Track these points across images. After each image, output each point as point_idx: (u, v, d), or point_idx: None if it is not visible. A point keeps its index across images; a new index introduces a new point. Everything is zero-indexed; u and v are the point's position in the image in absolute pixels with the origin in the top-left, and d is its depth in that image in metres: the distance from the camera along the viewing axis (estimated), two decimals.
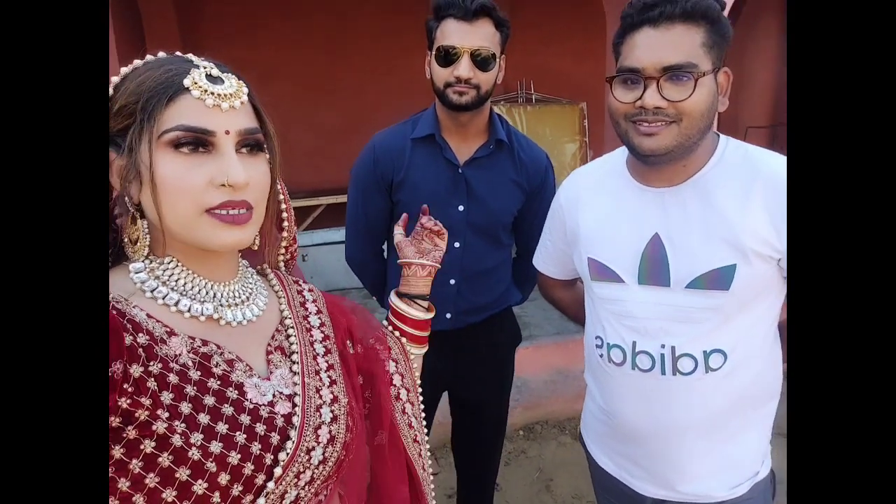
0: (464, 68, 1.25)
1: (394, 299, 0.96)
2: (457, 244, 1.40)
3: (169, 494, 0.54)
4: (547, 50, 5.42)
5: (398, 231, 1.01)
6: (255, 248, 0.71)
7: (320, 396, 0.69)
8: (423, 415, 0.91)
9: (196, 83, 0.58)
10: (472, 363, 1.52)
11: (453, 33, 1.25)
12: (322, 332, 0.76)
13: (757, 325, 0.97)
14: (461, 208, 1.39)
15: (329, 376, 0.72)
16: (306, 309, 0.77)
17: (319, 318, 0.78)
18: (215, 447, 0.57)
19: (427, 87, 1.39)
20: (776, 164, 0.92)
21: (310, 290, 0.81)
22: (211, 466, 0.56)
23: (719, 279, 0.91)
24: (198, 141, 0.58)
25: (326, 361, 0.74)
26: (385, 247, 1.54)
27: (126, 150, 0.58)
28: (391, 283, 1.52)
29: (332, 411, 0.69)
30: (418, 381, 0.91)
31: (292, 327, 0.73)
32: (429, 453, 0.90)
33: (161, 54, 0.62)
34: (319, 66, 4.62)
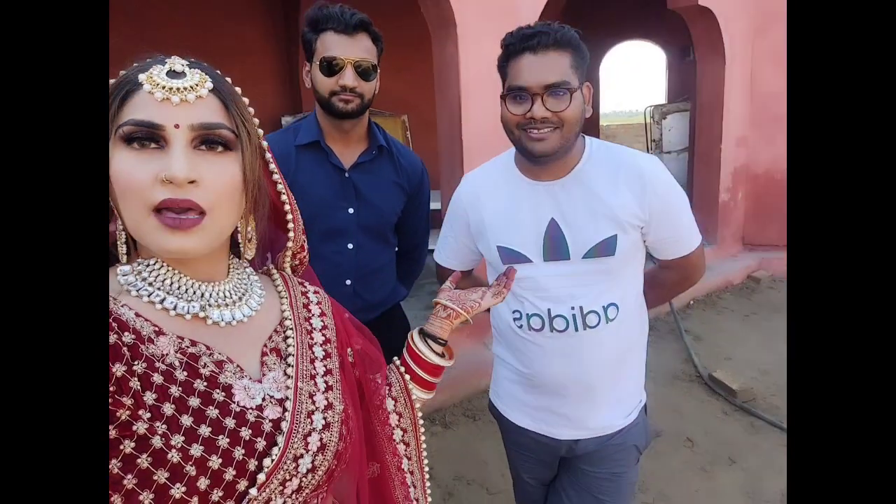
0: (348, 78, 1.34)
1: (414, 337, 0.94)
2: (350, 245, 1.47)
3: (146, 497, 0.52)
4: None
5: (448, 285, 1.00)
6: (249, 256, 0.69)
7: (313, 402, 0.67)
8: (425, 454, 0.91)
9: (150, 77, 0.56)
10: None
11: (335, 45, 1.33)
12: (323, 335, 0.75)
13: (633, 279, 1.24)
14: (351, 210, 1.45)
15: (325, 381, 0.70)
16: (309, 311, 0.76)
17: (322, 320, 0.76)
18: (196, 450, 0.55)
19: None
20: (629, 155, 1.18)
21: (315, 293, 0.80)
22: (190, 470, 0.54)
23: (606, 247, 1.15)
24: (149, 136, 0.56)
25: (324, 366, 0.72)
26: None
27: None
28: None
29: (324, 418, 0.66)
30: (420, 423, 0.90)
31: (291, 329, 0.71)
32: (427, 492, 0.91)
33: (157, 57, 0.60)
34: None
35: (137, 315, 0.58)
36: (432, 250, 1.45)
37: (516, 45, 1.08)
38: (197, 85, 0.58)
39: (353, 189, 1.46)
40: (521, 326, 1.24)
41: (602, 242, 1.15)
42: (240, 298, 0.67)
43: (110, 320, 0.54)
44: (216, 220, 0.59)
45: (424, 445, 0.91)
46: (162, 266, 0.62)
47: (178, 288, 0.62)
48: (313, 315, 0.76)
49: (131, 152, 0.56)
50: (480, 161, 1.36)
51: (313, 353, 0.72)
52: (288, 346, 0.70)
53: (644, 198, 1.14)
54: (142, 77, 0.56)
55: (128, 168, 0.55)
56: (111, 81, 0.57)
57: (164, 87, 0.56)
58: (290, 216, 0.75)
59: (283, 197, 0.74)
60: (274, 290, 0.75)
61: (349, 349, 0.80)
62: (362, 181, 1.47)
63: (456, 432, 2.73)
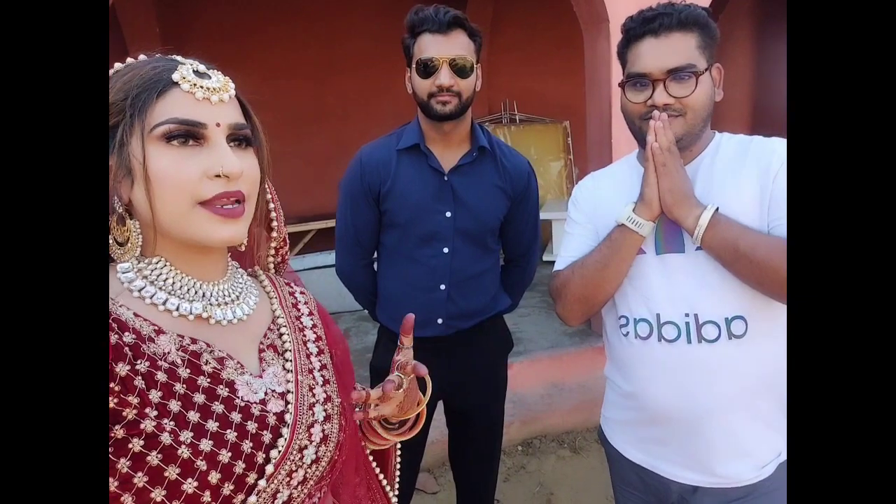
0: (444, 76, 1.31)
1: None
2: (445, 249, 1.44)
3: (158, 494, 0.53)
4: (528, 71, 5.53)
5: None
6: (243, 248, 0.71)
7: (313, 395, 0.68)
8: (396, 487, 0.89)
9: (185, 77, 0.59)
10: (465, 370, 1.53)
11: (430, 46, 1.31)
12: (315, 332, 0.76)
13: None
14: (448, 214, 1.43)
15: (322, 375, 0.72)
16: (298, 310, 0.77)
17: (312, 319, 0.78)
18: (205, 445, 0.56)
19: (412, 108, 1.44)
20: (763, 138, 1.04)
21: (302, 293, 0.81)
22: (201, 465, 0.55)
23: None
24: (189, 133, 0.58)
25: (319, 361, 0.73)
26: (375, 257, 1.57)
27: (116, 147, 0.58)
28: (382, 295, 1.54)
29: (325, 410, 0.68)
30: (397, 466, 0.90)
31: (285, 325, 0.72)
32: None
33: (142, 57, 0.63)
34: (307, 94, 4.70)
35: (136, 315, 0.59)
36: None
37: (637, 28, 1.01)
38: (225, 86, 0.62)
39: (451, 192, 1.42)
40: (626, 334, 1.09)
41: None
42: (238, 297, 0.69)
43: (110, 321, 0.56)
44: (251, 209, 0.64)
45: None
46: (165, 265, 0.63)
47: (180, 288, 0.63)
48: (303, 314, 0.77)
49: (172, 149, 0.57)
50: None
51: (308, 348, 0.73)
52: (284, 342, 0.71)
53: (768, 175, 0.98)
54: (175, 76, 0.58)
55: (173, 165, 0.57)
56: (125, 76, 0.59)
57: (202, 87, 0.59)
58: (272, 205, 0.75)
59: (268, 195, 0.74)
60: (262, 291, 0.76)
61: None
62: (461, 184, 1.42)
63: (585, 460, 2.54)
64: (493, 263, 1.55)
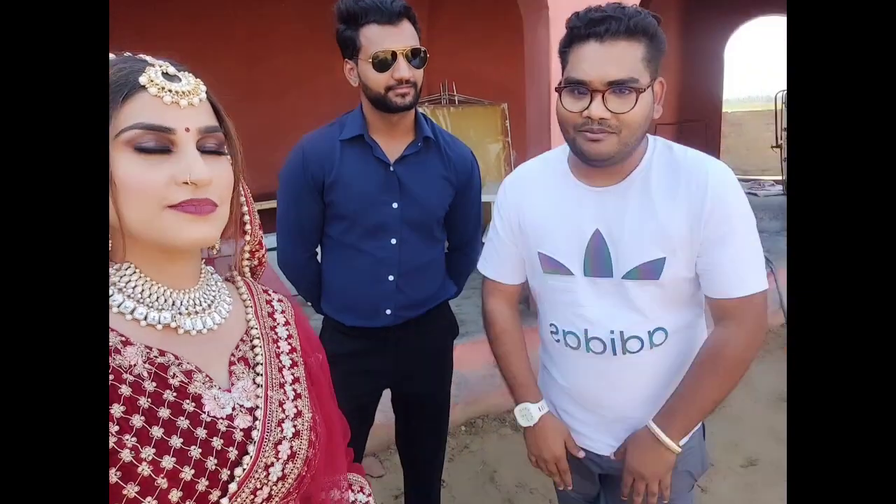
0: (404, 69, 1.28)
1: None
2: (393, 241, 1.43)
3: None
4: (468, 52, 5.52)
5: None
6: (215, 253, 0.69)
7: (283, 410, 0.67)
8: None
9: (152, 80, 0.57)
10: (413, 358, 1.54)
11: (383, 38, 1.27)
12: (289, 343, 0.74)
13: (689, 307, 1.08)
14: (395, 205, 1.42)
15: (294, 389, 0.70)
16: (274, 319, 0.75)
17: (287, 329, 0.76)
18: (167, 462, 0.55)
19: (351, 92, 1.40)
20: (695, 160, 1.02)
21: (279, 301, 0.79)
22: (162, 483, 0.54)
23: (650, 270, 1.01)
24: (157, 139, 0.56)
25: (292, 374, 0.71)
26: (319, 250, 1.54)
27: None
28: (327, 287, 1.52)
29: (294, 426, 0.67)
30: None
31: (258, 337, 0.70)
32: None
33: (111, 56, 0.60)
34: (239, 73, 4.48)
35: None
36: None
37: (581, 29, 0.94)
38: (195, 89, 0.59)
39: (397, 183, 1.41)
40: (558, 341, 1.14)
41: (647, 264, 1.01)
42: (209, 305, 0.67)
43: None
44: (224, 213, 0.62)
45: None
46: (134, 272, 0.62)
47: (149, 296, 0.61)
48: (278, 324, 0.75)
49: (138, 155, 0.56)
50: None
51: (281, 361, 0.71)
52: (256, 354, 0.69)
53: (701, 212, 0.97)
54: (143, 79, 0.56)
55: (139, 172, 0.56)
56: None
57: (170, 91, 0.57)
58: (246, 208, 0.73)
59: (242, 198, 0.72)
60: (239, 299, 0.74)
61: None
62: (407, 175, 1.42)
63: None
64: (439, 253, 1.56)
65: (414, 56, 1.30)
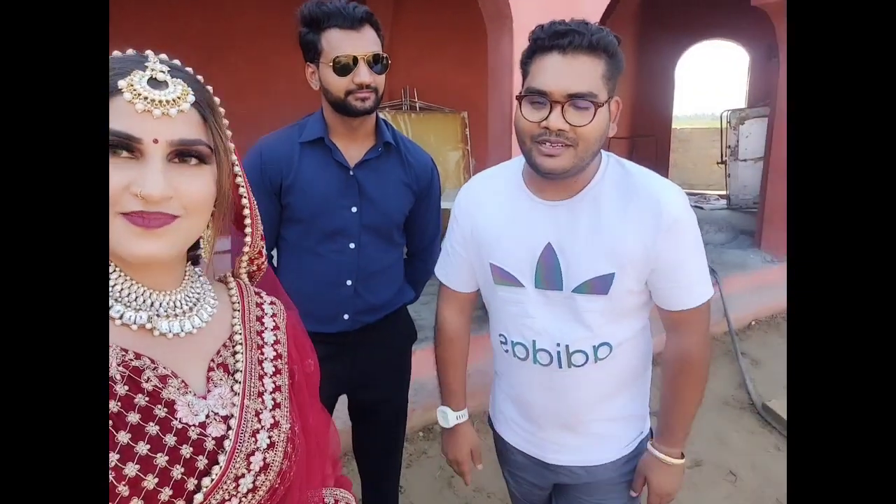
0: (364, 74, 1.29)
1: None
2: (352, 245, 1.42)
3: None
4: (429, 59, 5.56)
5: None
6: (205, 259, 0.67)
7: (259, 420, 0.65)
8: None
9: (131, 85, 0.54)
10: (371, 363, 1.53)
11: (344, 42, 1.28)
12: (275, 349, 0.72)
13: (636, 318, 1.11)
14: (354, 210, 1.41)
15: (273, 398, 0.68)
16: (262, 324, 0.73)
17: (275, 334, 0.74)
18: (130, 469, 0.53)
19: (314, 92, 1.39)
20: (647, 181, 1.05)
21: (271, 304, 0.77)
22: (123, 490, 0.52)
23: (600, 285, 1.04)
24: (122, 146, 0.54)
25: (273, 382, 0.69)
26: (275, 253, 1.51)
27: None
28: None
29: (269, 437, 0.65)
30: None
31: (240, 344, 0.69)
32: None
33: (124, 52, 0.58)
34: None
35: None
36: None
37: (545, 41, 0.95)
38: (179, 98, 0.57)
39: (356, 187, 1.40)
40: (507, 351, 1.17)
41: (597, 279, 1.04)
42: (190, 309, 0.65)
43: None
44: (186, 226, 0.59)
45: None
46: (114, 270, 0.60)
47: (128, 296, 0.60)
48: (266, 328, 0.73)
49: None
50: None
51: (263, 368, 0.69)
52: (236, 361, 0.67)
53: (656, 235, 1.00)
54: (121, 84, 0.54)
55: None
56: None
57: (145, 98, 0.54)
58: (248, 220, 0.72)
59: (244, 201, 0.71)
60: (227, 301, 0.72)
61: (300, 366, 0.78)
62: (367, 179, 1.41)
63: (483, 440, 2.64)
64: (397, 257, 1.56)
65: (375, 62, 1.30)
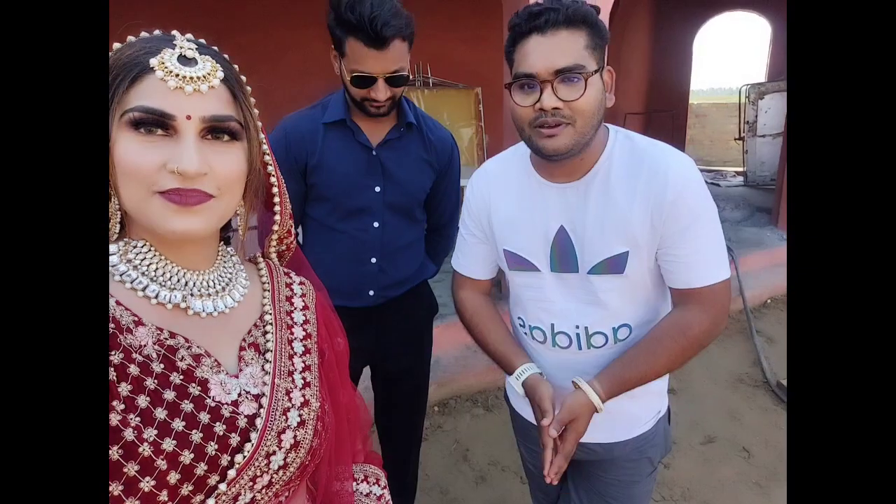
0: (381, 91, 1.28)
1: None
2: (376, 224, 1.45)
3: (115, 488, 0.52)
4: (444, 35, 5.48)
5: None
6: (241, 238, 0.68)
7: (290, 399, 0.66)
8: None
9: (162, 63, 0.55)
10: (394, 336, 1.57)
11: (365, 60, 1.25)
12: (304, 329, 0.74)
13: (656, 298, 1.10)
14: (378, 189, 1.42)
15: (304, 378, 0.69)
16: (292, 304, 0.74)
17: (304, 314, 0.75)
18: (168, 444, 0.55)
19: (324, 70, 1.37)
20: (656, 152, 1.02)
21: (300, 284, 0.78)
22: (161, 464, 0.54)
23: (615, 264, 1.03)
24: (156, 123, 0.55)
25: (303, 362, 0.71)
26: (300, 230, 1.53)
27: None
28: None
29: (300, 415, 0.66)
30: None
31: (271, 324, 0.70)
32: None
33: (150, 33, 0.59)
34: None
35: (118, 303, 0.58)
36: None
37: (522, 25, 0.94)
38: (209, 74, 0.57)
39: (379, 167, 1.42)
40: (525, 334, 1.17)
41: (611, 259, 1.03)
42: (223, 288, 0.66)
43: None
44: (222, 203, 0.60)
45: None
46: (150, 250, 0.61)
47: (163, 275, 0.62)
48: (296, 308, 0.75)
49: (137, 136, 0.55)
50: None
51: (293, 348, 0.71)
52: (267, 341, 0.69)
53: (662, 207, 0.98)
54: (153, 62, 0.55)
55: (133, 153, 0.55)
56: (114, 57, 0.57)
57: (177, 76, 0.55)
58: (277, 199, 0.72)
59: (273, 179, 0.72)
60: (258, 281, 0.73)
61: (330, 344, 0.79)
62: (389, 159, 1.43)
63: (497, 416, 2.69)
64: (420, 233, 1.59)
65: (394, 78, 1.29)
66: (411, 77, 4.81)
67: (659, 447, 1.22)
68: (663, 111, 7.54)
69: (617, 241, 1.02)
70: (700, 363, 3.00)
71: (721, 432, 2.55)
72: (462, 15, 5.50)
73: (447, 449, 2.49)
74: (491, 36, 5.02)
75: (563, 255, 1.07)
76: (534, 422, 1.24)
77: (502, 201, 1.13)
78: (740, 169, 7.40)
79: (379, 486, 0.88)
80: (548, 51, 0.92)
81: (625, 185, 1.01)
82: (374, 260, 1.47)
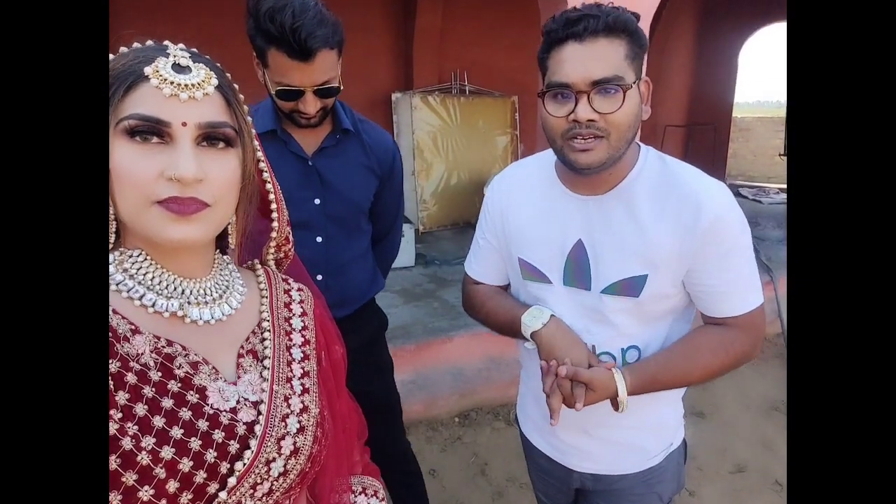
0: (310, 105, 1.21)
1: None
2: (319, 238, 1.36)
3: (114, 498, 0.52)
4: (481, 43, 5.48)
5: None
6: (232, 246, 0.69)
7: (289, 405, 0.66)
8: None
9: (157, 71, 0.56)
10: (350, 357, 1.50)
11: (290, 72, 1.16)
12: (303, 336, 0.74)
13: (670, 323, 1.04)
14: (317, 201, 1.34)
15: (302, 384, 0.69)
16: (290, 310, 0.74)
17: (303, 320, 0.75)
18: (166, 452, 0.55)
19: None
20: (689, 177, 0.97)
21: (299, 291, 0.78)
22: (160, 473, 0.54)
23: (631, 287, 0.98)
24: (152, 131, 0.55)
25: (302, 368, 0.71)
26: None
27: None
28: None
29: (299, 422, 0.66)
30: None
31: (269, 330, 0.70)
32: None
33: (136, 45, 0.60)
34: None
35: (115, 312, 0.58)
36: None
37: (559, 31, 0.89)
38: (203, 82, 0.58)
39: (317, 177, 1.33)
40: (532, 348, 1.11)
41: (628, 280, 0.98)
42: (220, 296, 0.66)
43: None
44: (218, 212, 0.60)
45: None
46: (146, 259, 0.62)
47: (159, 283, 0.62)
48: (294, 315, 0.74)
49: (133, 145, 0.55)
50: None
51: (291, 354, 0.71)
52: (265, 348, 0.68)
53: (694, 235, 0.93)
54: (147, 70, 0.56)
55: (130, 162, 0.55)
56: (111, 66, 0.58)
57: (171, 83, 0.56)
58: (273, 205, 0.73)
59: (269, 186, 0.72)
60: (256, 288, 0.73)
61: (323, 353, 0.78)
62: (327, 168, 1.33)
63: (518, 431, 2.64)
64: (366, 246, 1.50)
65: (324, 90, 1.21)
66: (449, 84, 4.73)
67: (669, 483, 1.15)
68: (705, 124, 7.34)
69: (636, 263, 0.97)
70: (732, 386, 2.90)
71: (752, 462, 2.44)
72: (500, 23, 5.49)
73: (465, 462, 2.45)
74: (529, 44, 4.97)
75: (578, 270, 1.02)
76: (541, 449, 1.19)
77: (521, 207, 1.10)
78: (784, 186, 7.15)
79: (377, 498, 0.87)
80: (585, 60, 0.87)
81: (652, 205, 0.96)
82: (319, 277, 1.36)
